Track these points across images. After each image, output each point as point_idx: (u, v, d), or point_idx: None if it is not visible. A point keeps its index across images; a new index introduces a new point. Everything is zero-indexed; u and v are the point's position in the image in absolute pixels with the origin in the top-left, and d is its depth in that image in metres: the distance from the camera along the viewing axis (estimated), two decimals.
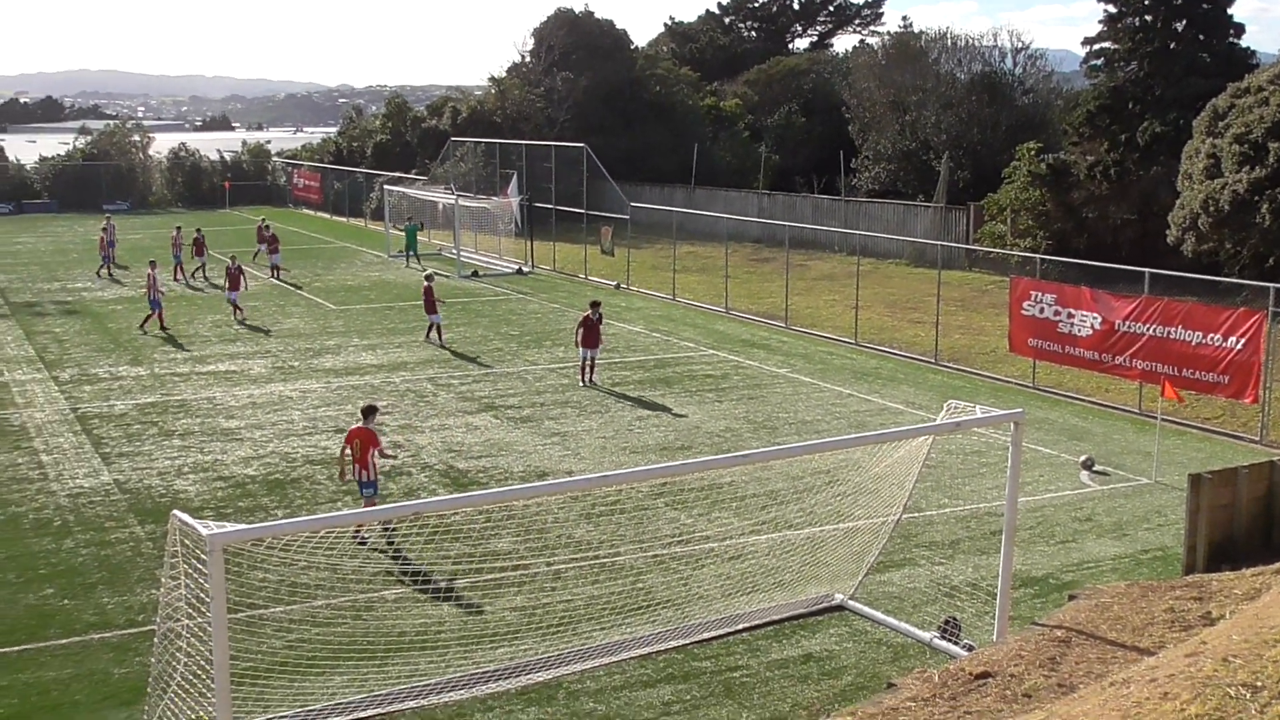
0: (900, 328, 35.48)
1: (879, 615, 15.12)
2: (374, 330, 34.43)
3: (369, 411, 18.22)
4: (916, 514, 18.42)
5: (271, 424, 24.27)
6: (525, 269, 47.74)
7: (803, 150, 70.93)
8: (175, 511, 10.74)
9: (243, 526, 10.71)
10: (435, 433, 23.58)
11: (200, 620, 10.91)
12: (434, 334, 32.67)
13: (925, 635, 14.37)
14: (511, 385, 27.71)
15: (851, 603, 15.45)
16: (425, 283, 33.36)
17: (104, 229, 47.00)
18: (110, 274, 45.60)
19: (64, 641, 14.33)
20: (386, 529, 17.37)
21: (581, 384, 27.68)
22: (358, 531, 17.12)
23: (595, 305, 28.91)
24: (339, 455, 18.64)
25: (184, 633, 11.27)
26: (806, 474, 19.60)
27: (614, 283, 43.64)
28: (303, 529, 14.07)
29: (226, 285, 36.87)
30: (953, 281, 41.34)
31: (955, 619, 14.42)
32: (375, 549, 17.05)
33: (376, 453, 17.92)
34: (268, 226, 48.54)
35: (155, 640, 11.50)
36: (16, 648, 14.14)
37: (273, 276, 44.33)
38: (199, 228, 47.53)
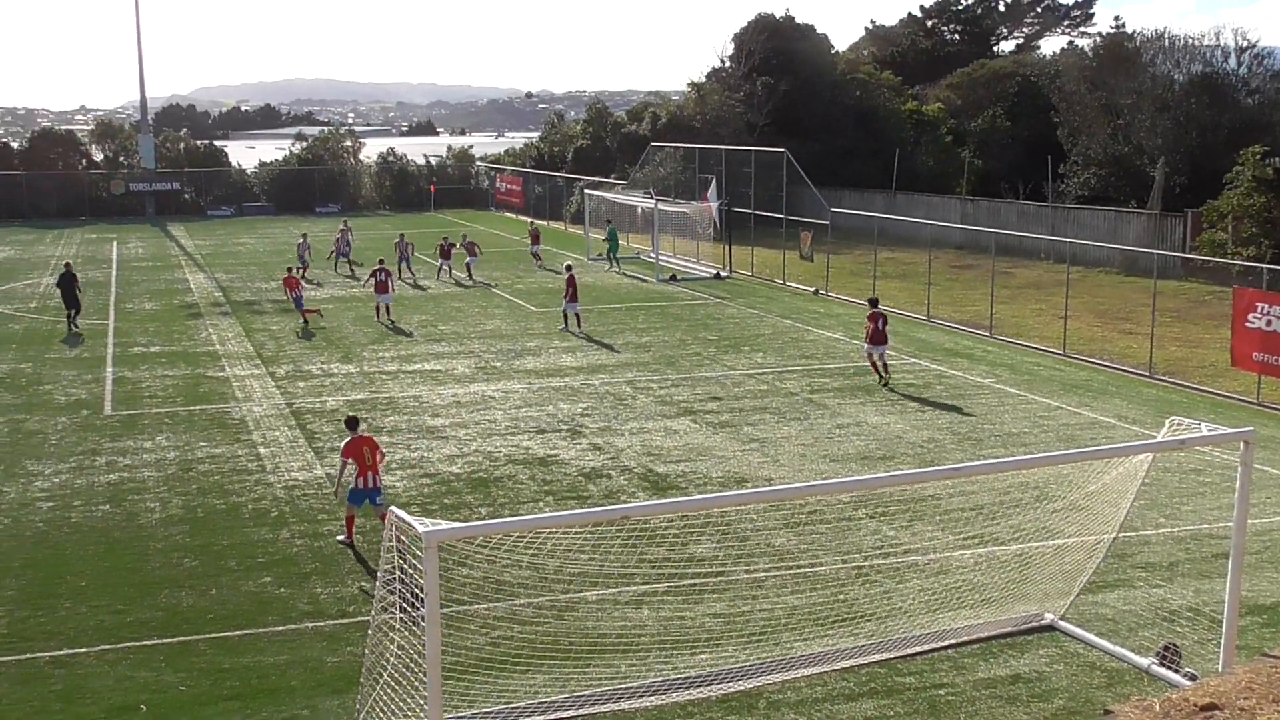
0: (1111, 339, 34.24)
1: (1092, 637, 14.56)
2: (574, 332, 34.81)
3: (354, 422, 18.03)
4: (1131, 533, 17.67)
5: (475, 423, 24.75)
6: (723, 274, 47.70)
7: (1007, 155, 69.18)
8: (393, 508, 11.01)
9: (458, 524, 10.91)
10: (634, 436, 23.71)
11: (412, 614, 11.14)
12: (572, 323, 34.88)
13: (1142, 661, 13.77)
14: (710, 390, 27.69)
15: (1062, 623, 14.90)
16: (567, 272, 35.70)
17: (341, 230, 50.04)
18: (350, 270, 47.94)
19: (280, 628, 14.86)
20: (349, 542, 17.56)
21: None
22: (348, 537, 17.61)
23: (874, 303, 29.15)
24: (340, 474, 17.91)
25: (396, 625, 11.54)
26: (1014, 488, 18.99)
27: (812, 289, 43.26)
28: (514, 529, 14.29)
29: (374, 288, 37.19)
30: (1167, 291, 39.73)
31: (1175, 645, 13.77)
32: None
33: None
34: (467, 238, 50.53)
35: (369, 632, 11.80)
36: (238, 632, 14.74)
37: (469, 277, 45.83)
38: (465, 234, 49.70)
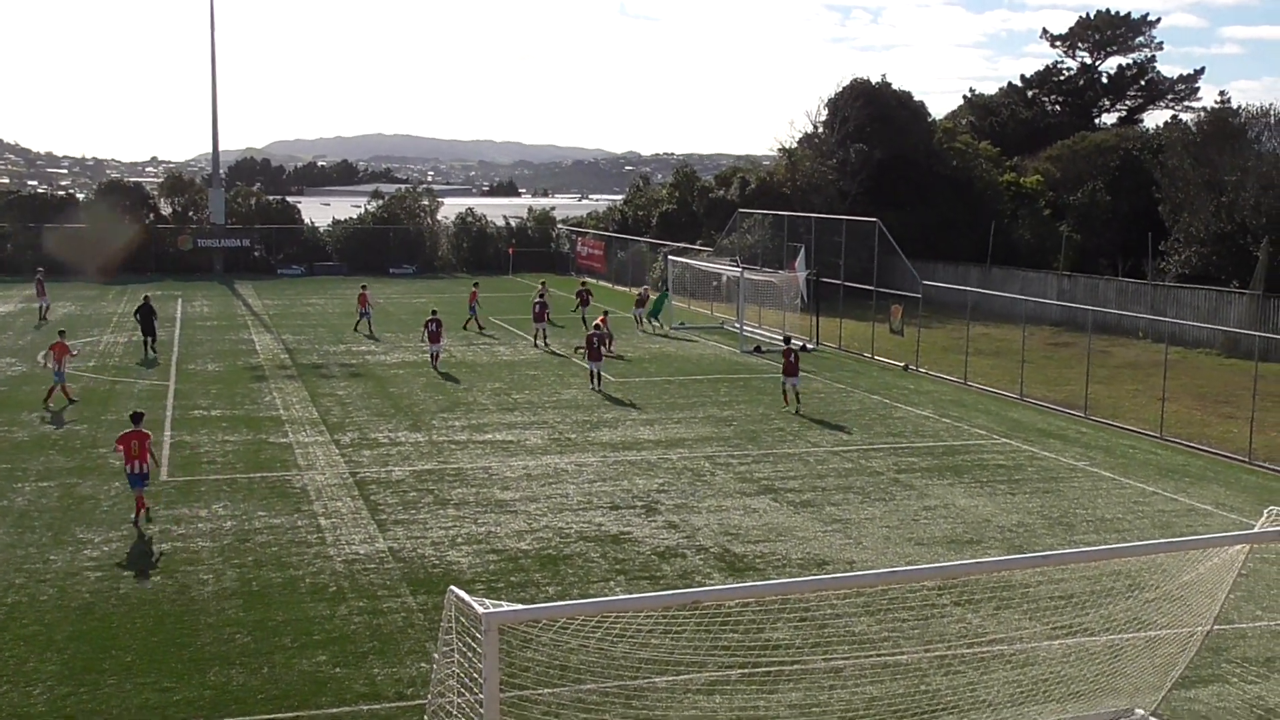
0: (1211, 423, 33.06)
1: None
2: (652, 404, 34.27)
3: (137, 417, 22.51)
4: (1227, 625, 16.82)
5: (546, 497, 24.23)
6: (810, 346, 46.97)
7: (1107, 230, 67.81)
8: (452, 588, 10.68)
9: (519, 606, 10.55)
10: (712, 514, 23.11)
11: (470, 698, 10.72)
12: (596, 381, 36.50)
13: None
14: (792, 467, 27.02)
15: (1154, 719, 14.22)
16: (593, 330, 38.11)
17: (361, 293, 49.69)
18: (368, 331, 48.10)
19: (334, 711, 14.43)
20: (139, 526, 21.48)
21: None
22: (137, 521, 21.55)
23: (787, 340, 33.38)
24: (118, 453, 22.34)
25: (453, 710, 11.11)
26: (1106, 576, 18.30)
27: (902, 364, 42.44)
28: (580, 612, 13.79)
29: (427, 338, 40.15)
30: (1270, 375, 38.20)
31: None
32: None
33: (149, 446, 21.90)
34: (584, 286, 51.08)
35: (425, 717, 11.36)
36: (290, 713, 14.33)
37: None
38: (584, 280, 49.86)
